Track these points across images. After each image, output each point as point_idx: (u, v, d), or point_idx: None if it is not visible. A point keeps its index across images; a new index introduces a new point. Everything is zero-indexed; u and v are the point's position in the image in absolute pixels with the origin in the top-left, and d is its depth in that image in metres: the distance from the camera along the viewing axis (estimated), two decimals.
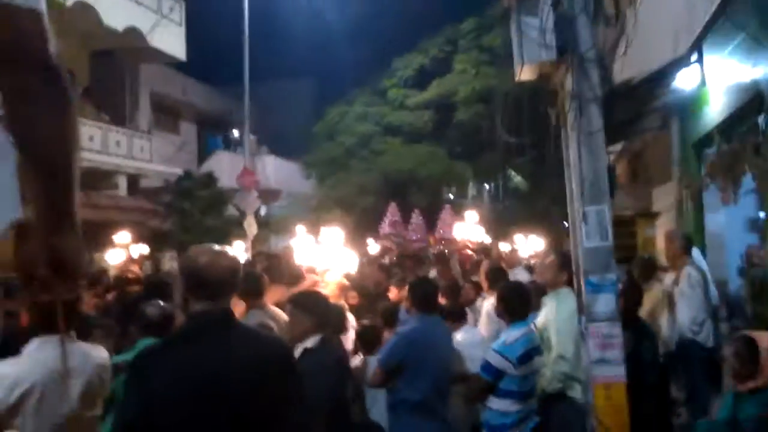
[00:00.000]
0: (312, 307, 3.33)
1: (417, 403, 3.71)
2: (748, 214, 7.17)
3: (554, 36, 3.74)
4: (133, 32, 16.48)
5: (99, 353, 2.66)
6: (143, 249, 11.17)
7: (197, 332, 2.01)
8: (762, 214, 6.76)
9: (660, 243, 8.54)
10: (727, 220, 7.44)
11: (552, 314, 4.19)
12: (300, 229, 9.90)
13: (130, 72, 18.43)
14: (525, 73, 4.17)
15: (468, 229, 11.24)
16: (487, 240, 13.67)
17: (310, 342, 3.28)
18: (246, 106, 15.39)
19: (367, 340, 4.54)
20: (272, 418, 2.02)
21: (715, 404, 4.21)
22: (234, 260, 2.15)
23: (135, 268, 8.49)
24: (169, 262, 13.12)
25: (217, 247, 2.21)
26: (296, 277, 5.05)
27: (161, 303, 3.59)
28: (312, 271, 5.60)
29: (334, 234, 5.45)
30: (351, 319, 4.95)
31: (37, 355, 2.40)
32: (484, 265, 6.14)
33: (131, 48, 17.06)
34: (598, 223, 3.67)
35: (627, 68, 6.07)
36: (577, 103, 3.75)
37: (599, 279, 3.59)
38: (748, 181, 6.47)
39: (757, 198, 6.86)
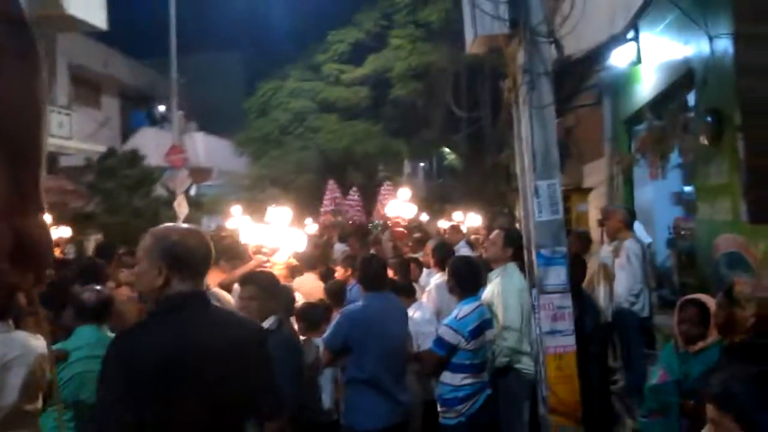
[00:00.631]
0: (267, 287, 3.24)
1: (365, 380, 3.72)
2: (675, 188, 7.53)
3: (507, 8, 3.72)
4: None
5: (39, 342, 2.47)
6: (65, 232, 10.53)
7: (178, 311, 1.98)
8: (688, 188, 7.12)
9: (593, 217, 8.86)
10: (655, 194, 7.78)
11: (498, 288, 4.25)
12: (236, 209, 9.58)
13: (45, 41, 17.21)
14: (476, 46, 4.13)
15: (401, 206, 11.33)
16: (425, 217, 13.78)
17: (267, 323, 3.20)
18: (173, 79, 14.73)
19: (310, 320, 4.46)
20: (251, 398, 2.01)
21: (650, 369, 4.40)
22: (206, 238, 2.11)
23: (57, 252, 7.98)
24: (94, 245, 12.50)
25: (187, 226, 2.16)
26: (240, 257, 4.89)
27: (98, 287, 3.40)
28: (259, 251, 5.44)
29: (280, 213, 5.29)
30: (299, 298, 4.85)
31: None
32: (431, 242, 6.16)
33: (46, 15, 15.90)
34: (550, 196, 3.72)
35: (567, 45, 6.17)
36: (528, 77, 3.76)
37: (551, 252, 3.64)
38: (675, 157, 6.77)
39: (683, 173, 7.20)
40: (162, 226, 2.10)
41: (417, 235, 8.45)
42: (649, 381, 3.35)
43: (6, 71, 0.93)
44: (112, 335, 3.09)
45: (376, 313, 3.80)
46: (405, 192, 12.12)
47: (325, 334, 3.98)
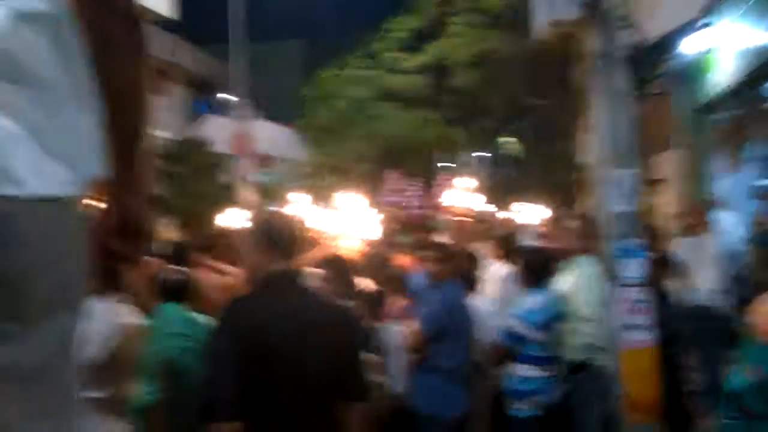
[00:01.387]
0: (341, 271, 3.31)
1: (452, 369, 3.72)
2: (754, 181, 7.16)
3: None
4: None
5: (135, 318, 2.59)
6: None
7: (276, 287, 2.15)
8: None
9: (663, 211, 8.54)
10: (733, 187, 7.43)
11: (578, 280, 4.15)
12: (302, 196, 9.71)
13: None
14: (546, 31, 4.05)
15: (468, 197, 11.14)
16: (489, 208, 13.54)
17: None
18: (241, 68, 14.99)
19: (373, 307, 4.48)
20: (339, 378, 2.11)
21: (727, 369, 4.22)
22: (299, 222, 2.36)
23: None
24: (166, 229, 12.85)
25: (282, 210, 2.52)
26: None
27: (181, 269, 3.54)
28: (318, 238, 5.51)
29: (350, 199, 5.31)
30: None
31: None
32: (496, 233, 6.09)
33: None
34: (627, 186, 3.63)
35: (641, 30, 5.95)
36: (603, 62, 3.66)
37: (628, 244, 3.56)
38: (754, 148, 6.46)
39: (763, 165, 6.85)
40: (260, 211, 2.31)
41: (482, 226, 8.34)
42: (730, 381, 3.22)
43: (121, 65, 1.01)
44: (196, 315, 3.21)
45: (462, 303, 3.84)
46: (470, 182, 11.86)
47: (423, 321, 3.91)
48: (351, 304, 3.30)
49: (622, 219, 3.59)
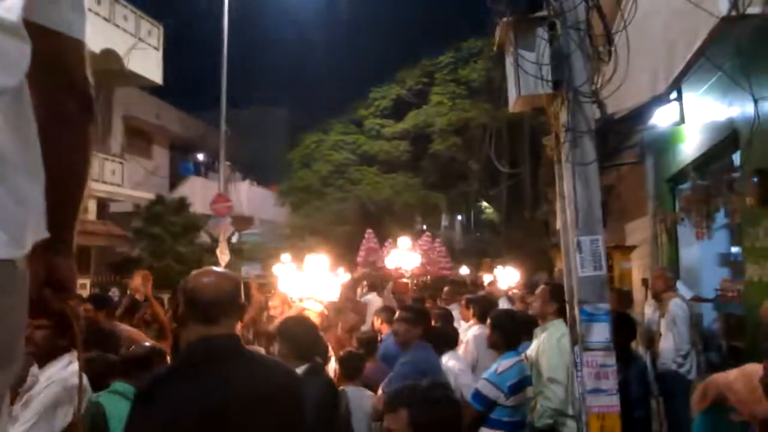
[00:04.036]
0: (304, 333, 3.29)
1: None
2: (722, 249, 7.36)
3: (550, 70, 3.82)
4: (109, 54, 16.31)
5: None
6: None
7: (203, 359, 1.94)
8: (735, 249, 6.95)
9: (635, 276, 8.69)
10: (701, 254, 7.62)
11: (544, 345, 4.19)
12: (285, 257, 9.72)
13: (104, 94, 18.19)
14: (519, 105, 4.23)
15: (401, 257, 11.27)
16: (464, 270, 13.67)
17: (302, 368, 3.21)
18: (222, 131, 15.30)
19: (350, 368, 4.45)
20: None
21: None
22: (235, 282, 2.09)
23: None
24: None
25: (217, 268, 2.18)
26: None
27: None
28: (286, 300, 5.52)
29: (317, 261, 5.36)
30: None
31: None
32: (470, 295, 6.15)
33: (107, 70, 16.90)
34: (593, 252, 3.70)
35: (610, 104, 6.23)
36: (572, 135, 3.81)
37: (594, 308, 3.60)
38: (721, 217, 6.66)
39: (730, 233, 7.06)
40: (193, 271, 2.11)
41: (447, 287, 8.38)
42: None
43: (68, 139, 1.08)
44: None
45: (433, 364, 3.83)
46: (405, 241, 12.04)
47: (388, 386, 3.88)
48: (310, 365, 3.25)
49: (588, 283, 3.65)
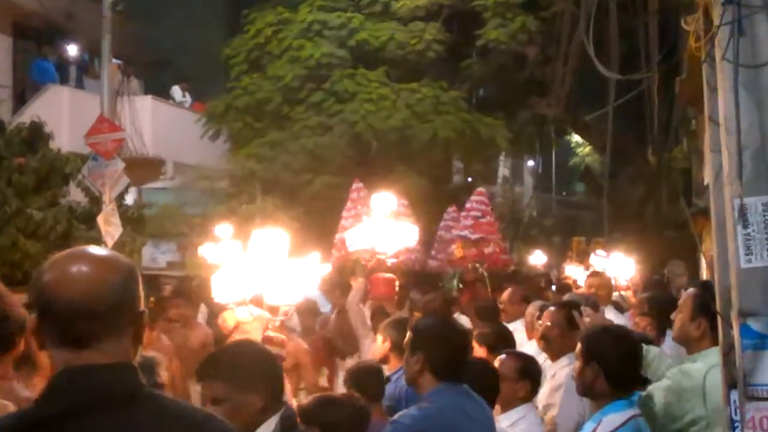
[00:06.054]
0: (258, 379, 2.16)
1: None
2: None
3: None
4: None
5: None
6: None
7: (63, 410, 1.29)
8: None
9: None
10: None
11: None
12: (220, 229, 6.46)
13: None
14: None
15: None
16: (536, 258, 10.61)
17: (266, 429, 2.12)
18: (105, 5, 9.35)
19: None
20: None
21: None
22: (125, 273, 1.39)
23: None
24: None
25: (97, 249, 1.48)
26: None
27: None
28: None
29: (272, 239, 3.60)
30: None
31: None
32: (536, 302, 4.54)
33: None
34: (767, 224, 2.17)
35: None
36: (736, 12, 2.32)
37: (767, 326, 2.10)
38: None
39: None
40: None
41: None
42: None
43: None
44: None
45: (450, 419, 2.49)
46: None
47: None
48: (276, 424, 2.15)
49: (755, 281, 2.14)
